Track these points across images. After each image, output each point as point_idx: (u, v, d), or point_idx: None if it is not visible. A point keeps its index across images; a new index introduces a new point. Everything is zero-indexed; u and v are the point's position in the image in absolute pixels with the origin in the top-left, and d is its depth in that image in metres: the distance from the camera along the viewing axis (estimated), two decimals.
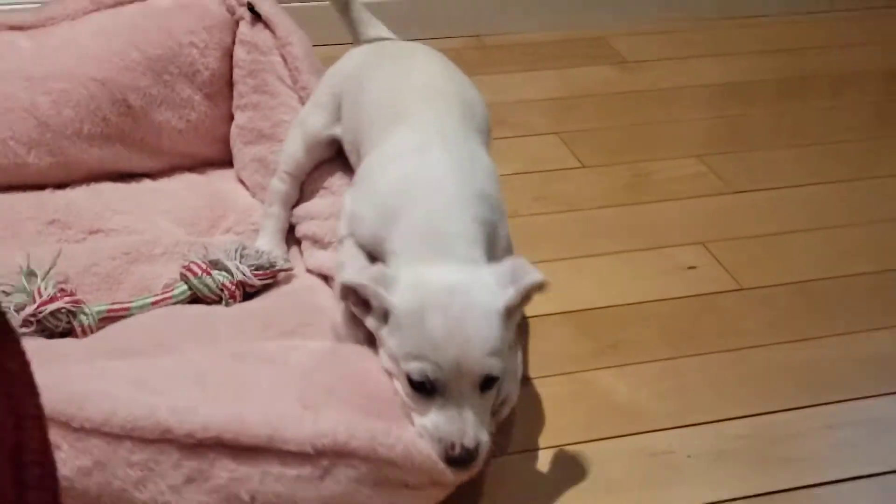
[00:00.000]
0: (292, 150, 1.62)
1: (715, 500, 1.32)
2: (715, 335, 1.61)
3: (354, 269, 1.25)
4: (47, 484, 0.54)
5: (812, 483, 1.35)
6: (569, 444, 1.40)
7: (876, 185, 2.04)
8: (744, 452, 1.40)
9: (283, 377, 1.23)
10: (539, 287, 1.20)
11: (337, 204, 1.52)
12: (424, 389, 1.15)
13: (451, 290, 1.16)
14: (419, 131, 1.36)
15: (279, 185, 1.63)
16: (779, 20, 2.72)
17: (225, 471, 1.08)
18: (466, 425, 1.14)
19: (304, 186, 1.64)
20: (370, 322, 1.21)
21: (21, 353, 0.60)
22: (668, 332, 1.61)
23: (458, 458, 1.14)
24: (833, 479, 1.36)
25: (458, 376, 1.14)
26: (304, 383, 1.21)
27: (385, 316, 1.19)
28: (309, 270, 1.58)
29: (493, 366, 1.15)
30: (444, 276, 1.18)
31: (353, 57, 1.61)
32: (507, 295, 1.17)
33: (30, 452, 0.55)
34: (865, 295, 1.72)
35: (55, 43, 1.74)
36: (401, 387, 1.19)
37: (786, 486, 1.35)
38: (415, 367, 1.14)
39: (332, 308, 1.37)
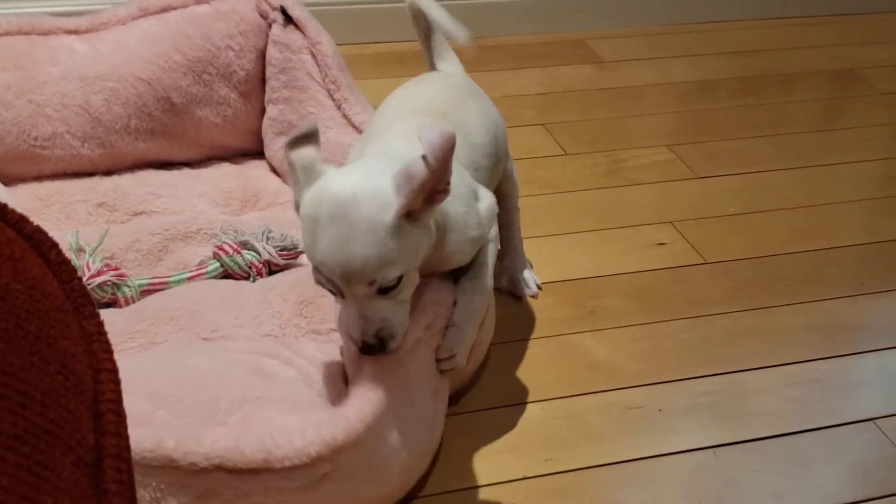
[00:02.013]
0: (354, 155, 1.54)
1: (682, 448, 1.34)
2: (683, 303, 1.62)
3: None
4: (121, 431, 0.55)
5: (768, 435, 1.37)
6: (552, 399, 1.41)
7: (824, 172, 2.05)
8: (708, 407, 1.41)
9: (289, 394, 1.21)
10: (424, 182, 1.05)
11: None
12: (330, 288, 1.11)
13: (344, 203, 1.05)
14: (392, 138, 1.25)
15: None
16: (738, 26, 2.72)
17: (230, 488, 1.05)
18: (366, 325, 1.10)
19: None
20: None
21: (96, 316, 0.61)
22: (641, 300, 1.62)
23: (365, 349, 1.11)
24: (787, 431, 1.38)
25: (349, 285, 1.08)
26: (303, 396, 1.20)
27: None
28: None
29: (384, 277, 1.07)
30: (343, 187, 1.07)
31: (407, 82, 1.47)
32: (398, 204, 1.05)
33: (106, 402, 0.56)
34: (816, 268, 1.73)
35: (107, 46, 1.74)
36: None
37: (745, 438, 1.36)
38: (314, 274, 1.10)
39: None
